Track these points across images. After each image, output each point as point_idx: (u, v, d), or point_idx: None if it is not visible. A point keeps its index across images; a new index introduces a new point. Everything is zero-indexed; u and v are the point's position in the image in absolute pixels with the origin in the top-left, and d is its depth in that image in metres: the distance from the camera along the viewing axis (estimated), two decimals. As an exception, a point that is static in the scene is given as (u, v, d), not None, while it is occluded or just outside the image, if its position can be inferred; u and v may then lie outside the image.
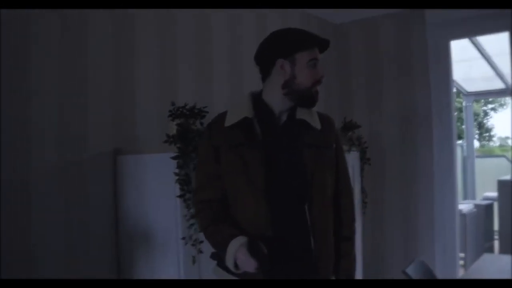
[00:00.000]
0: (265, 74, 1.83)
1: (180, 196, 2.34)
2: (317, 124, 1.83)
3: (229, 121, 1.79)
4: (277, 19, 3.85)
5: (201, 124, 2.47)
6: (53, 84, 2.48)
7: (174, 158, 2.34)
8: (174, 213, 2.40)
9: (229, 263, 1.67)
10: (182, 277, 2.41)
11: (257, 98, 1.84)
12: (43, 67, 2.43)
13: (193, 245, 2.35)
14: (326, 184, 1.81)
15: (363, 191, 3.80)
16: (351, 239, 1.91)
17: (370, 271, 3.91)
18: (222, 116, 1.85)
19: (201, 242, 2.29)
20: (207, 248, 2.31)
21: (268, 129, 1.79)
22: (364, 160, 3.80)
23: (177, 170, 2.34)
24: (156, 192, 2.51)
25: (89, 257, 2.58)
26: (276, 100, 1.81)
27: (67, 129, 2.50)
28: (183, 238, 2.36)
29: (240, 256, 1.63)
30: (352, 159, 3.65)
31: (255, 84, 1.92)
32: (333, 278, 1.84)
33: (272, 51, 1.79)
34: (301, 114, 1.81)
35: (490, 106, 19.05)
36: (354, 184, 3.64)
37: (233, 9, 3.47)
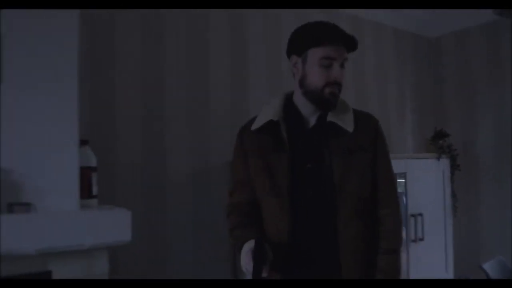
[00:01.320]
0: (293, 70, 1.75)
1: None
2: (349, 126, 1.69)
3: (255, 125, 1.74)
4: (370, 31, 4.26)
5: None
6: (183, 101, 3.10)
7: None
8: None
9: (242, 266, 1.64)
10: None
11: (289, 99, 1.77)
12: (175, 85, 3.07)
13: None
14: (357, 192, 1.66)
15: (453, 195, 4.06)
16: (392, 253, 1.71)
17: (462, 273, 4.13)
18: (253, 119, 1.80)
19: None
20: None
21: (295, 133, 1.70)
22: (454, 166, 4.06)
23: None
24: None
25: (211, 257, 3.13)
26: (301, 101, 1.72)
27: (195, 142, 3.12)
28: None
29: (245, 259, 1.60)
30: (442, 165, 3.95)
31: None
32: None
33: (289, 47, 1.72)
34: (332, 115, 1.69)
35: None
36: (444, 189, 3.95)
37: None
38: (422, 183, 3.82)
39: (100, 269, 2.13)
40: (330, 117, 1.68)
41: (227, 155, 2.87)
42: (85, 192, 2.15)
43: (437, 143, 3.99)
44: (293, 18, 3.62)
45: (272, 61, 3.55)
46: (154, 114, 2.98)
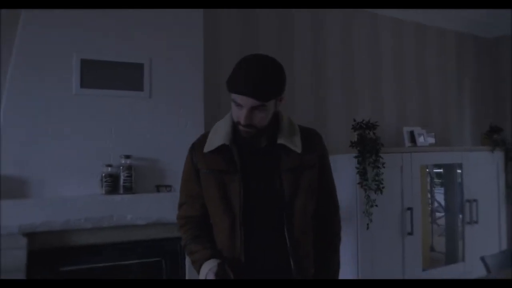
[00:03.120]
0: None
1: (359, 183, 3.47)
2: (297, 147, 1.74)
3: (208, 148, 1.76)
4: (433, 34, 4.78)
5: (374, 134, 3.57)
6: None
7: (355, 157, 3.49)
8: (355, 194, 3.54)
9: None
10: (358, 239, 3.54)
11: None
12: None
13: (367, 216, 3.47)
14: (306, 207, 1.75)
15: (507, 186, 4.55)
16: (336, 253, 1.88)
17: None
18: (204, 137, 1.82)
19: (371, 214, 3.41)
20: (377, 217, 3.44)
21: (247, 154, 1.74)
22: (508, 158, 4.54)
23: (357, 165, 3.48)
24: (344, 181, 3.66)
25: None
26: None
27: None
28: (364, 212, 3.47)
29: (208, 278, 1.64)
30: (496, 157, 4.47)
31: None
32: None
33: None
34: (281, 138, 1.74)
35: None
36: (498, 179, 4.46)
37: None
38: (477, 173, 4.34)
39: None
40: (280, 140, 1.72)
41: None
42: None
43: (492, 137, 4.49)
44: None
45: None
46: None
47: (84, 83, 2.87)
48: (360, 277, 3.53)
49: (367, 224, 3.48)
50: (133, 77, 3.00)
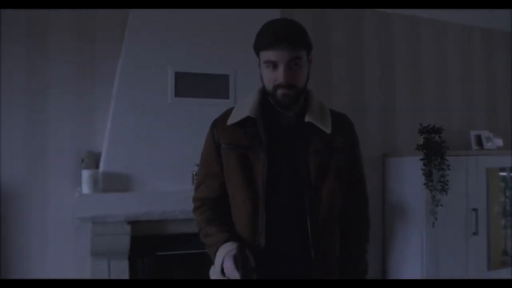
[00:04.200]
0: None
1: (425, 184, 3.69)
2: (327, 128, 1.64)
3: (232, 119, 1.65)
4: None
5: (439, 137, 3.77)
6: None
7: (421, 159, 3.71)
8: (421, 194, 3.76)
9: (217, 269, 1.57)
10: (424, 238, 3.75)
11: (265, 95, 1.66)
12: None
13: (432, 215, 3.68)
14: (332, 194, 1.63)
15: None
16: (363, 254, 1.74)
17: None
18: (228, 112, 1.71)
19: (436, 213, 3.63)
20: (442, 216, 3.64)
21: (272, 131, 1.63)
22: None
23: (423, 167, 3.70)
24: (410, 182, 3.90)
25: None
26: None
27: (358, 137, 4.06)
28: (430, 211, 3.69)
29: (226, 265, 1.51)
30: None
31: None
32: None
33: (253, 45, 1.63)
34: (310, 116, 1.62)
35: None
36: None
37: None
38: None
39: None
40: (308, 118, 1.62)
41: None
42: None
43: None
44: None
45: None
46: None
47: (177, 93, 3.30)
48: (425, 274, 3.74)
49: (433, 223, 3.69)
50: (220, 86, 3.40)
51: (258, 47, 1.58)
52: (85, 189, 2.97)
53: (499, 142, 4.50)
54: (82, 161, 3.21)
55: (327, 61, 4.03)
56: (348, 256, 1.70)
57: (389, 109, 4.27)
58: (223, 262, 1.54)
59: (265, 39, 1.54)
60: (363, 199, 1.79)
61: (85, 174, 2.93)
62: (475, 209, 3.94)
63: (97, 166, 3.19)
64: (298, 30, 1.57)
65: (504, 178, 4.42)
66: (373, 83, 4.22)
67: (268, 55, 1.53)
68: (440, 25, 4.55)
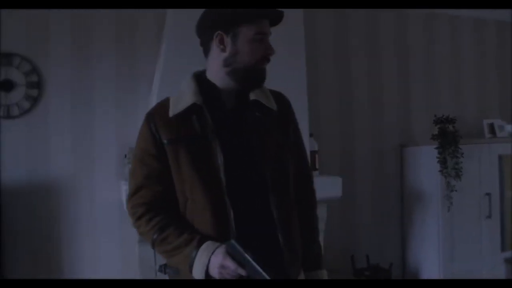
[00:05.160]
0: (206, 49, 1.58)
1: (440, 171, 3.94)
2: (272, 105, 1.60)
3: (174, 110, 1.53)
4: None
5: (453, 127, 4.02)
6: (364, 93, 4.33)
7: (436, 148, 3.97)
8: (436, 181, 4.02)
9: (198, 273, 1.42)
10: (440, 223, 4.02)
11: (201, 80, 1.58)
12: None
13: (447, 200, 3.94)
14: (288, 171, 1.60)
15: None
16: (315, 228, 1.73)
17: None
18: (163, 104, 1.58)
19: (451, 198, 3.89)
20: (457, 201, 3.89)
21: (218, 115, 1.53)
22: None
23: (438, 155, 3.95)
24: (426, 169, 4.16)
25: (382, 213, 4.36)
26: (220, 80, 1.55)
27: (376, 129, 4.33)
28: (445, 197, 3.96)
29: (225, 264, 1.37)
30: None
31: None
32: (303, 274, 1.64)
33: (212, 21, 1.53)
34: (254, 94, 1.57)
35: None
36: None
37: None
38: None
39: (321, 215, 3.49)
40: (253, 96, 1.57)
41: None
42: (313, 166, 3.48)
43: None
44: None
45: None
46: (344, 108, 4.25)
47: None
48: (441, 256, 4.01)
49: (448, 207, 3.95)
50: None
51: (241, 19, 1.50)
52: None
53: (510, 128, 4.72)
54: (125, 156, 3.53)
55: (347, 60, 4.29)
56: (304, 229, 1.66)
57: (405, 102, 4.52)
58: (209, 265, 1.40)
59: (255, 11, 1.52)
60: (309, 174, 1.76)
61: None
62: (488, 194, 4.18)
63: (138, 161, 3.50)
64: (279, 10, 1.59)
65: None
66: (390, 78, 4.46)
67: (261, 27, 1.52)
68: (454, 19, 4.76)
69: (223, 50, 1.53)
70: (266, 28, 1.54)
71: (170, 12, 3.46)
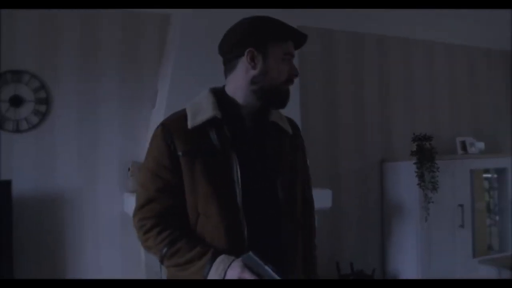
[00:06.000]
0: (230, 66, 1.55)
1: (418, 184, 4.29)
2: (288, 128, 1.62)
3: (193, 121, 1.48)
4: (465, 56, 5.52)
5: (430, 144, 4.38)
6: (350, 109, 4.67)
7: (415, 163, 4.32)
8: (415, 193, 4.37)
9: None
10: (418, 231, 4.35)
11: (220, 95, 1.55)
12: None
13: (425, 210, 4.29)
14: (297, 194, 1.60)
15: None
16: (314, 257, 1.76)
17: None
18: (180, 115, 1.53)
19: (428, 209, 4.24)
20: (433, 212, 4.23)
21: (237, 131, 1.51)
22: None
23: (416, 170, 4.30)
24: (405, 183, 4.50)
25: (364, 223, 4.68)
26: (244, 98, 1.53)
27: (359, 146, 4.67)
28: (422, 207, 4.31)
29: (243, 276, 1.33)
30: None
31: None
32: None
33: (242, 39, 1.51)
34: (274, 116, 1.59)
35: None
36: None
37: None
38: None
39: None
40: (272, 117, 1.58)
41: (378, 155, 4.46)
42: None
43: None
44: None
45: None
46: (330, 127, 4.57)
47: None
48: (419, 262, 4.34)
49: (425, 217, 4.31)
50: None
51: (273, 37, 1.51)
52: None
53: (481, 145, 5.13)
54: (128, 169, 3.76)
55: (334, 81, 4.63)
56: (305, 257, 1.66)
57: (386, 121, 4.90)
58: (225, 278, 1.36)
59: (287, 31, 1.53)
60: (312, 203, 1.77)
61: None
62: (461, 205, 4.55)
63: (141, 174, 3.72)
64: (304, 34, 1.61)
65: (488, 178, 5.04)
66: (372, 100, 4.83)
67: (289, 47, 1.53)
68: (429, 45, 5.17)
69: (254, 67, 1.51)
70: (292, 49, 1.55)
71: (174, 29, 3.66)
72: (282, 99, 1.54)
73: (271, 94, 1.52)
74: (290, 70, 1.53)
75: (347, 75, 4.70)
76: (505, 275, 3.04)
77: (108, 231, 3.79)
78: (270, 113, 1.59)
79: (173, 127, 1.51)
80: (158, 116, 3.59)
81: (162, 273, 3.34)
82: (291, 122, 1.70)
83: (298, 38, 1.57)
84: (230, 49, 1.54)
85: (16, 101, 3.66)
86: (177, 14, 3.78)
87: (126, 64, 3.93)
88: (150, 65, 3.98)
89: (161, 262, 1.49)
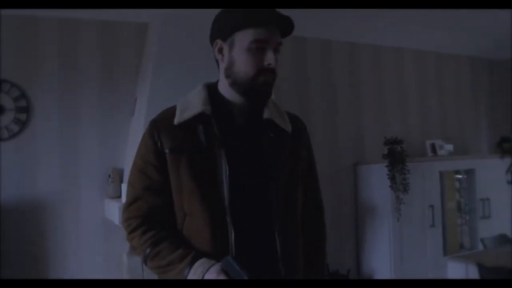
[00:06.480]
0: (216, 60, 1.48)
1: (390, 186, 4.46)
2: (287, 126, 1.50)
3: (180, 117, 1.42)
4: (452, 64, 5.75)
5: (401, 147, 4.56)
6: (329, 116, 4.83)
7: (386, 166, 4.50)
8: (387, 195, 4.53)
9: None
10: (391, 231, 4.52)
11: (212, 91, 1.48)
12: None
13: (397, 211, 4.47)
14: (298, 197, 1.51)
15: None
16: (325, 265, 1.69)
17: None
18: (169, 111, 1.47)
19: (400, 210, 4.42)
20: (405, 212, 4.41)
21: (227, 128, 1.43)
22: (515, 164, 5.45)
23: (388, 173, 4.48)
24: (377, 185, 4.68)
25: (339, 225, 4.84)
26: (228, 93, 1.45)
27: (333, 149, 4.83)
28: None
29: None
30: (506, 163, 5.37)
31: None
32: None
33: (212, 30, 1.46)
34: (269, 112, 1.46)
35: None
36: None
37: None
38: (489, 176, 5.25)
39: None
40: (267, 114, 1.46)
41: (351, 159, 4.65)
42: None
43: (502, 146, 5.40)
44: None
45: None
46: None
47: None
48: (392, 260, 4.51)
49: (397, 218, 4.48)
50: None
51: (238, 25, 1.38)
52: (125, 199, 3.52)
53: (450, 147, 5.35)
54: (109, 176, 3.85)
55: (306, 86, 4.79)
56: (310, 265, 1.57)
57: (358, 125, 5.07)
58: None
59: (254, 15, 1.37)
60: (320, 205, 1.69)
61: (124, 187, 3.53)
62: (431, 206, 4.75)
63: (121, 181, 3.82)
64: (283, 15, 1.42)
65: (459, 179, 5.25)
66: (344, 105, 4.99)
67: (258, 33, 1.36)
68: (398, 52, 5.37)
69: (222, 60, 1.44)
70: (268, 36, 1.37)
71: (152, 38, 3.74)
72: (257, 94, 1.42)
73: (244, 88, 1.41)
74: (260, 60, 1.38)
75: (319, 81, 4.86)
76: (472, 271, 3.21)
77: (90, 236, 3.86)
78: (265, 109, 1.48)
79: (161, 124, 1.46)
80: (137, 123, 3.69)
81: (144, 277, 3.43)
82: (294, 120, 1.59)
83: (277, 22, 1.40)
84: (211, 41, 1.48)
85: (-3, 110, 3.72)
86: (154, 23, 3.88)
87: (104, 73, 4.01)
88: (128, 73, 4.06)
89: (145, 263, 1.44)
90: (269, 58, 1.38)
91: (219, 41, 1.43)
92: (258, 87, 1.39)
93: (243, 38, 1.37)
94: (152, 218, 1.44)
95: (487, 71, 6.11)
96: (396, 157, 4.49)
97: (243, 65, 1.38)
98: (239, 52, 1.38)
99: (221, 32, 1.42)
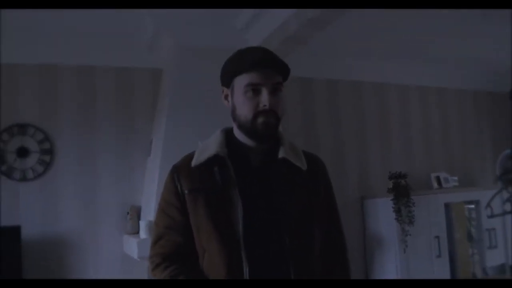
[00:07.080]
0: None
1: (395, 219, 4.62)
2: (302, 164, 1.54)
3: (197, 160, 1.50)
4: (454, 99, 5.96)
5: (405, 181, 4.73)
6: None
7: (392, 199, 4.67)
8: (392, 226, 4.68)
9: None
10: (398, 261, 4.66)
11: (230, 135, 1.55)
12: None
13: (403, 243, 4.61)
14: (313, 236, 1.52)
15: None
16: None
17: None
18: (189, 155, 1.57)
19: (406, 241, 4.57)
20: (411, 243, 4.55)
21: (242, 169, 1.48)
22: (519, 194, 5.56)
23: (393, 206, 4.64)
24: (384, 218, 4.84)
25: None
26: (239, 134, 1.54)
27: (340, 184, 5.00)
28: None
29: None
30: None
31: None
32: None
33: (220, 78, 1.56)
34: (284, 151, 1.51)
35: None
36: (512, 211, 5.48)
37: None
38: (494, 206, 5.33)
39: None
40: (282, 153, 1.51)
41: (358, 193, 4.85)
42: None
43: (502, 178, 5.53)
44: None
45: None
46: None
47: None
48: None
49: (404, 249, 4.62)
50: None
51: (235, 71, 1.47)
52: (143, 234, 3.62)
53: (454, 180, 5.50)
54: (127, 213, 4.06)
55: (314, 125, 5.01)
56: None
57: (364, 161, 5.27)
58: None
59: (247, 61, 1.45)
60: (343, 243, 1.69)
61: (142, 224, 3.65)
62: (437, 237, 4.88)
63: (138, 217, 4.03)
64: (277, 57, 1.50)
65: (468, 209, 5.34)
66: (350, 141, 5.20)
67: (251, 77, 1.44)
68: (402, 89, 5.59)
69: (228, 105, 1.54)
70: (261, 79, 1.44)
71: (166, 82, 3.95)
72: (259, 135, 1.48)
73: (246, 130, 1.49)
74: (256, 102, 1.45)
75: (326, 119, 5.08)
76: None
77: (109, 271, 4.04)
78: (281, 149, 1.54)
79: (181, 168, 1.55)
80: (153, 163, 3.91)
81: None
82: (312, 158, 1.64)
83: (269, 65, 1.47)
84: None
85: (22, 152, 3.98)
86: (168, 68, 4.14)
87: (121, 115, 4.27)
88: (144, 116, 4.32)
89: None
90: (264, 99, 1.44)
91: (224, 88, 1.55)
92: (258, 128, 1.46)
93: (240, 83, 1.47)
94: (173, 255, 1.52)
95: (489, 103, 6.28)
96: (401, 191, 4.65)
97: (242, 109, 1.47)
98: (237, 96, 1.48)
99: (224, 79, 1.53)
